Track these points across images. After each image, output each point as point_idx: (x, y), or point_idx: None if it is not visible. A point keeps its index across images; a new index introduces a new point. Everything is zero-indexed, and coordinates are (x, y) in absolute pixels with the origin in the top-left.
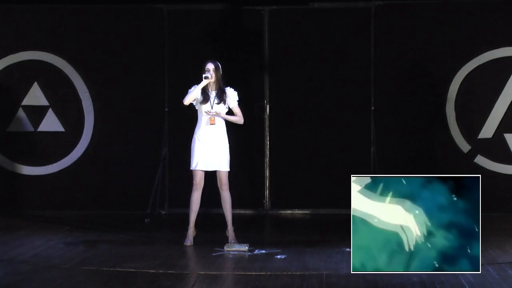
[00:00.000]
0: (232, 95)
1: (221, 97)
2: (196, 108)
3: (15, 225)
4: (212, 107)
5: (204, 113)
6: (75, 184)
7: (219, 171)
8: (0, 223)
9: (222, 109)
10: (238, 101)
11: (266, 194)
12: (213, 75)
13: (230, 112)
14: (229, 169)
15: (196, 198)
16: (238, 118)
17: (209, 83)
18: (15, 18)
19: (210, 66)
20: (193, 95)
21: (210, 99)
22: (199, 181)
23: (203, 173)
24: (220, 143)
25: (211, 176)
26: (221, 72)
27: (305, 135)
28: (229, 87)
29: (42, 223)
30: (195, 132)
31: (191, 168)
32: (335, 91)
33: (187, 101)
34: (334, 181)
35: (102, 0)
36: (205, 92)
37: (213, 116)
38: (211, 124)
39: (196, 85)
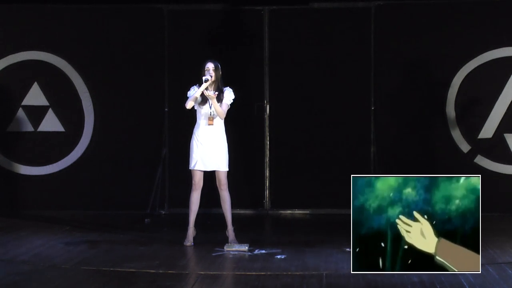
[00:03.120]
0: (227, 94)
1: (219, 97)
2: (195, 109)
3: (15, 225)
4: (210, 107)
5: (203, 113)
6: (75, 184)
7: (217, 171)
8: (0, 223)
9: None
10: (232, 102)
11: (266, 194)
12: (213, 75)
13: None
14: (227, 169)
15: (196, 198)
16: (222, 111)
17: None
18: (15, 18)
19: (210, 65)
20: (194, 98)
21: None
22: (198, 181)
23: (202, 173)
24: (219, 143)
25: (211, 176)
26: (220, 72)
27: (305, 135)
28: (228, 88)
29: (42, 223)
30: (193, 132)
31: (189, 168)
32: (335, 91)
33: (189, 105)
34: (334, 181)
35: (102, 0)
36: (203, 93)
37: (210, 95)
38: (209, 125)
39: (194, 86)
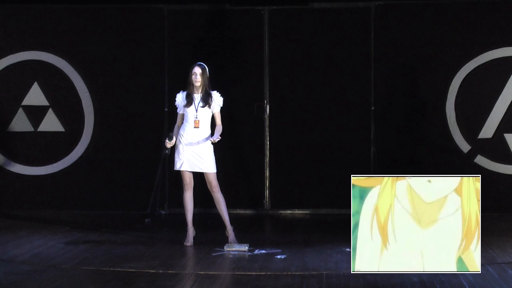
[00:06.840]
0: (217, 100)
1: (206, 101)
2: (183, 113)
3: (15, 225)
4: (196, 110)
5: (189, 116)
6: (75, 184)
7: (206, 173)
8: (0, 223)
9: (206, 112)
10: (221, 107)
11: (266, 194)
12: (199, 80)
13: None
14: (215, 171)
15: (189, 198)
16: (220, 128)
17: (194, 86)
18: (15, 18)
19: (197, 70)
20: (176, 131)
21: (195, 102)
22: (189, 181)
23: (191, 173)
24: (204, 145)
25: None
26: (207, 75)
27: (305, 135)
28: (215, 91)
29: (42, 223)
30: (179, 133)
31: (175, 169)
32: (335, 91)
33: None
34: (334, 181)
35: (102, 0)
36: (189, 96)
37: (215, 140)
38: (195, 128)
39: (178, 94)
